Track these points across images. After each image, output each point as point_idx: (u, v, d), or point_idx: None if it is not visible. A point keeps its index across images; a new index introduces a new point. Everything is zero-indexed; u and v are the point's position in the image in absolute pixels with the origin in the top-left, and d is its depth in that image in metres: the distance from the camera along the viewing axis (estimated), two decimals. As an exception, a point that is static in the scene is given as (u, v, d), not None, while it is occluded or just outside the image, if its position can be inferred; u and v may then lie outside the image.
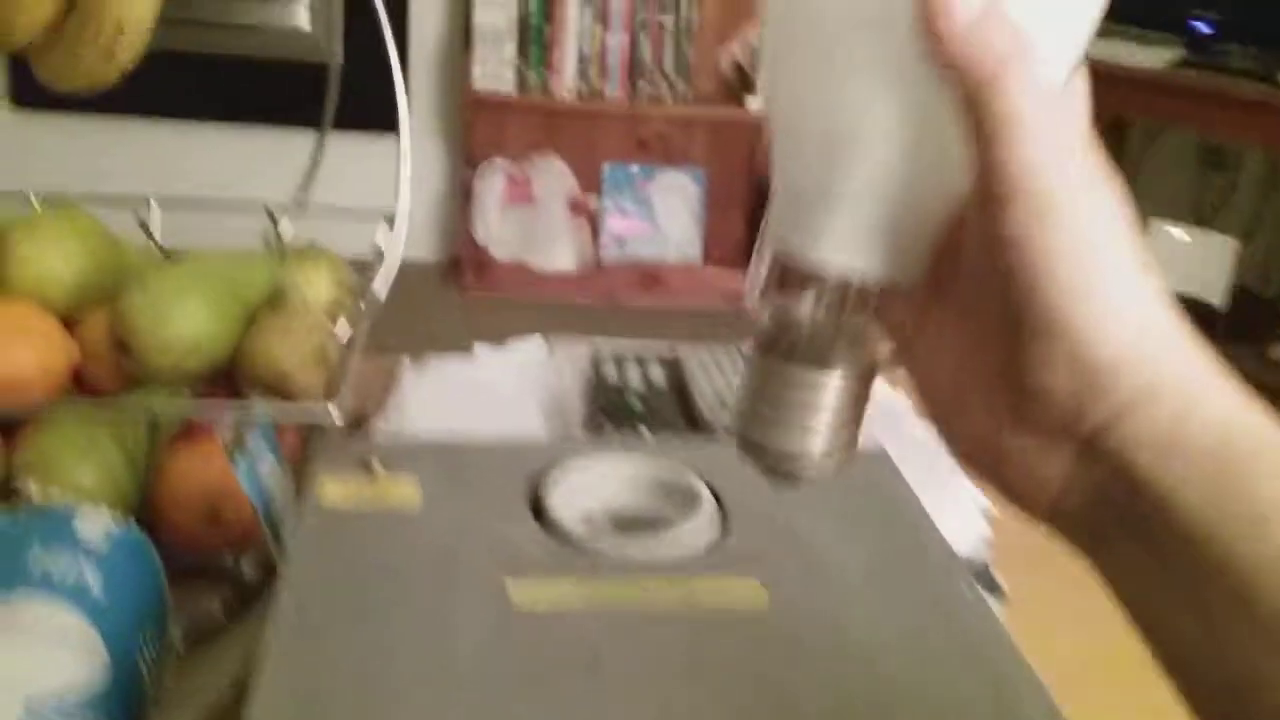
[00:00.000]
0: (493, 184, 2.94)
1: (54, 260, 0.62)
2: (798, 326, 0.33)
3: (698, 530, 0.49)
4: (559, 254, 2.96)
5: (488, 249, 2.98)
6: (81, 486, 0.55)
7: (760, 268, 0.33)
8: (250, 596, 0.59)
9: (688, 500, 0.50)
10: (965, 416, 0.32)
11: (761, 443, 0.33)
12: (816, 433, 0.33)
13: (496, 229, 2.97)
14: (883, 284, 0.31)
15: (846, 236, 0.31)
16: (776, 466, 0.34)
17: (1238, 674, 0.27)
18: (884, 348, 0.34)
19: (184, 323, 0.58)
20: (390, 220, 0.81)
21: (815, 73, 0.30)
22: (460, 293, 2.92)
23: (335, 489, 0.50)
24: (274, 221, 0.71)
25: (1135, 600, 0.30)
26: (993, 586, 0.68)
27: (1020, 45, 0.27)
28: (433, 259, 3.10)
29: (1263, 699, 0.27)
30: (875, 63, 0.28)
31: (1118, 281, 0.28)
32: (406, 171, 0.71)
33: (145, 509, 0.58)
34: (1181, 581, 0.28)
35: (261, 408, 0.52)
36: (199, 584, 0.59)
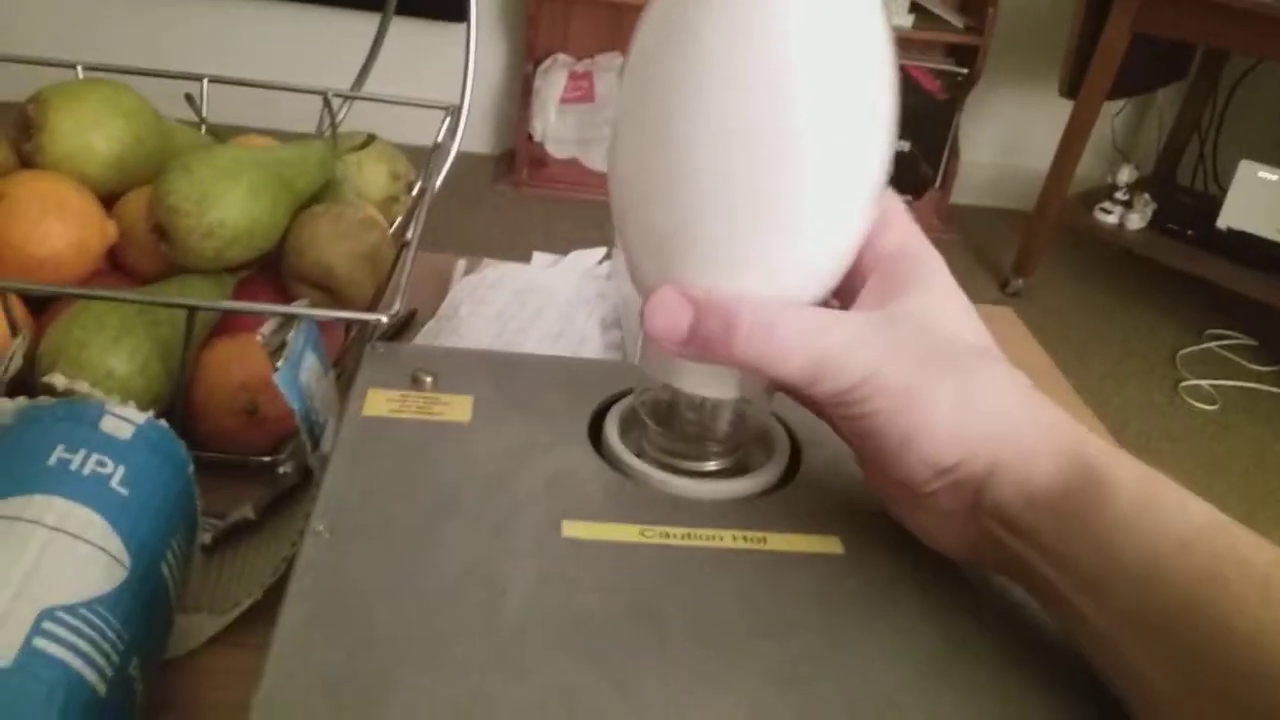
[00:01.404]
0: (554, 80, 2.87)
1: (94, 136, 0.58)
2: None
3: (768, 470, 0.45)
4: (617, 155, 2.89)
5: (544, 145, 2.92)
6: (112, 374, 0.52)
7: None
8: (286, 498, 0.56)
9: (759, 436, 0.46)
10: (892, 497, 0.40)
11: None
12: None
13: (554, 126, 2.91)
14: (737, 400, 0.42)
15: (696, 373, 0.40)
16: None
17: (1126, 669, 0.33)
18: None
19: (228, 209, 0.54)
20: (451, 112, 0.76)
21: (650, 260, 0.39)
22: (513, 188, 2.87)
23: (380, 400, 0.46)
24: (330, 109, 0.66)
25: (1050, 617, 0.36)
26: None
27: (732, 318, 0.35)
28: (488, 152, 3.05)
29: (1143, 691, 0.32)
30: None
31: (937, 403, 0.34)
32: (471, 65, 0.66)
33: (179, 401, 0.55)
34: (1061, 596, 0.34)
35: (307, 311, 0.48)
36: (233, 482, 0.56)
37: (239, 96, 0.75)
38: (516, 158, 2.90)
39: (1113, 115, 3.06)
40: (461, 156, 0.75)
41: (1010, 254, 2.78)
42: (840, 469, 0.46)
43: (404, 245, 0.59)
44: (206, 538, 0.52)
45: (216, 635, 0.48)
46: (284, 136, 0.66)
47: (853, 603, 0.38)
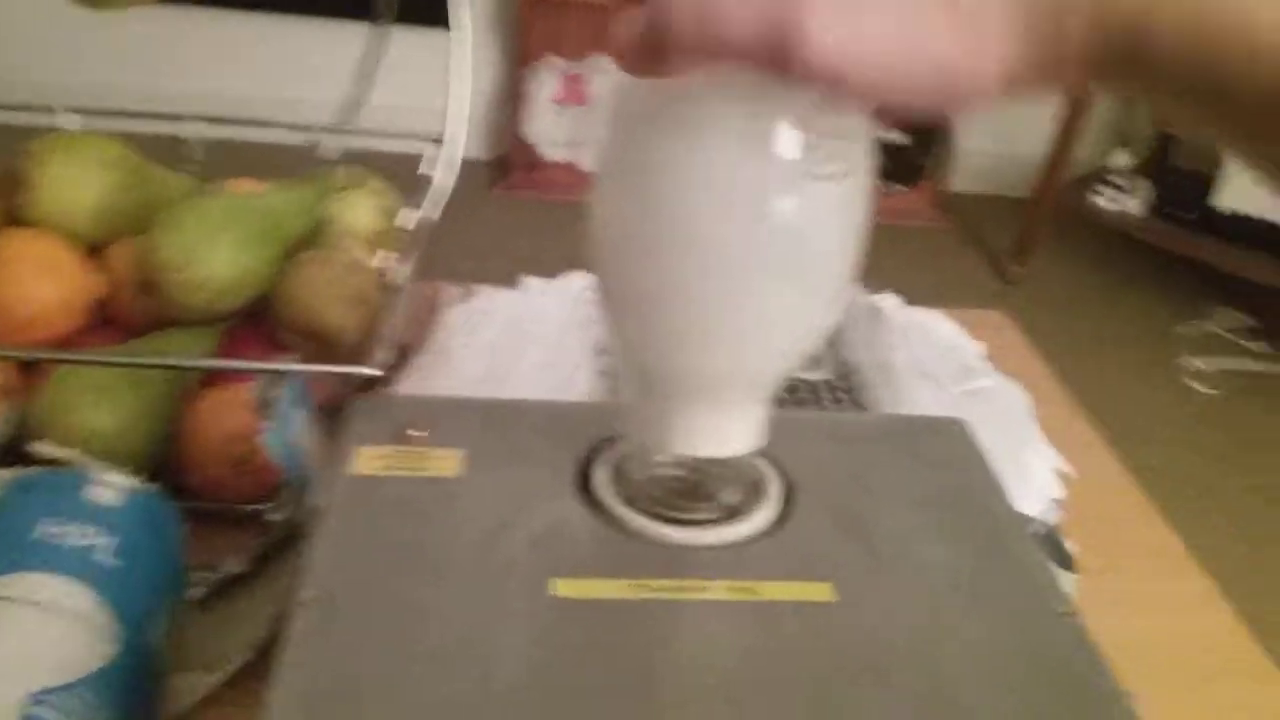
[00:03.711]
0: (545, 83, 2.86)
1: (80, 190, 0.58)
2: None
3: (759, 514, 0.45)
4: (611, 156, 2.89)
5: (537, 149, 2.92)
6: (100, 433, 0.52)
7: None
8: (276, 549, 0.56)
9: (750, 483, 0.46)
10: None
11: None
12: None
13: (547, 129, 2.90)
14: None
15: (686, 432, 0.42)
16: None
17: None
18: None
19: (216, 263, 0.54)
20: (440, 142, 0.76)
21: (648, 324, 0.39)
22: (508, 192, 2.87)
23: (370, 457, 0.46)
24: (316, 154, 0.66)
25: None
26: (1065, 562, 0.64)
27: None
28: (480, 157, 3.05)
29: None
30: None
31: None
32: (465, 105, 0.65)
33: (168, 453, 0.55)
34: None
35: (295, 367, 0.48)
36: (224, 531, 0.56)
37: (230, 111, 0.76)
38: (510, 162, 2.90)
39: (1107, 99, 3.05)
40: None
41: (1009, 241, 2.77)
42: (833, 509, 0.46)
43: (394, 290, 0.59)
44: (199, 591, 0.52)
45: (211, 694, 0.48)
46: (274, 150, 0.66)
47: (844, 655, 0.38)
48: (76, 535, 0.41)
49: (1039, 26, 0.29)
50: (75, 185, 0.58)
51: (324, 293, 0.57)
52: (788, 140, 0.34)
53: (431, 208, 0.73)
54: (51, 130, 0.66)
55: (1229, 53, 0.28)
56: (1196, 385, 2.37)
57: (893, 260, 2.65)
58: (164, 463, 0.55)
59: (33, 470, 0.44)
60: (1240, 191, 2.49)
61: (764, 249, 0.36)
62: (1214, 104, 0.29)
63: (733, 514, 0.46)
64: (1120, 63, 0.29)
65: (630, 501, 0.45)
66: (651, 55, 0.31)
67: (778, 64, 0.29)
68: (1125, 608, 0.65)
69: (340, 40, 2.63)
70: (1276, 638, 0.65)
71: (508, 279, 0.86)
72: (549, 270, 0.88)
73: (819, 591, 0.41)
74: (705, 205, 0.35)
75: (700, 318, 0.38)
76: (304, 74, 2.84)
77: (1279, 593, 1.75)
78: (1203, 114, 0.30)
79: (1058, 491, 0.69)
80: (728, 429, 0.42)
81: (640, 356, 0.41)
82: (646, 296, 0.38)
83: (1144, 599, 0.66)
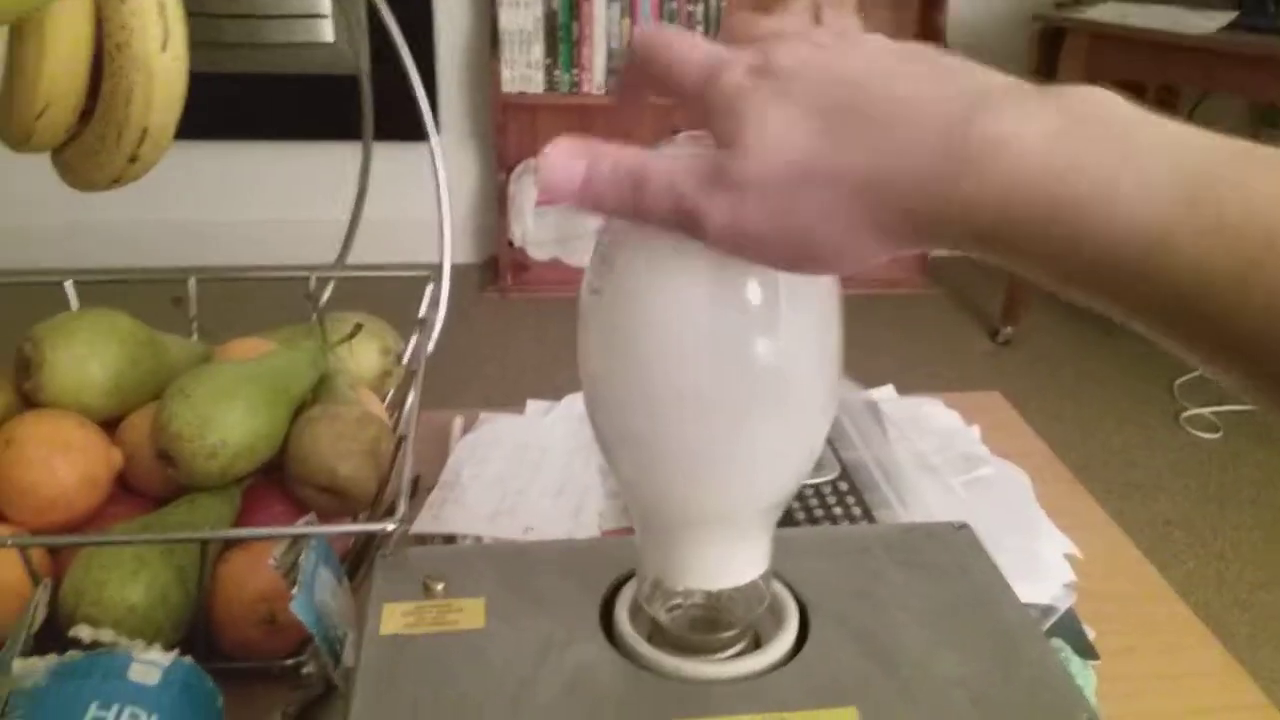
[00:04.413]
0: (527, 185, 2.91)
1: (91, 367, 0.60)
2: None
3: (779, 641, 0.46)
4: (597, 250, 2.93)
5: (524, 250, 2.96)
6: (134, 609, 0.53)
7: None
8: (313, 702, 0.57)
9: (767, 607, 0.48)
10: None
11: None
12: None
13: (532, 230, 2.95)
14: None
15: (694, 567, 0.44)
16: None
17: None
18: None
19: (229, 429, 0.56)
20: (433, 276, 0.79)
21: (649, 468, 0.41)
22: (500, 295, 2.91)
23: (396, 615, 0.47)
24: (314, 302, 0.69)
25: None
26: (1086, 650, 0.65)
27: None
28: (471, 261, 3.09)
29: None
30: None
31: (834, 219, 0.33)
32: (448, 234, 0.68)
33: (200, 620, 0.57)
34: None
35: (315, 529, 0.49)
36: (259, 688, 0.57)
37: (228, 243, 0.78)
38: (499, 265, 2.94)
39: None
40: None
41: (997, 302, 2.81)
42: (848, 628, 0.47)
43: (401, 439, 0.61)
44: (239, 759, 0.52)
45: None
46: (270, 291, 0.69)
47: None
48: (123, 717, 0.42)
49: (905, 226, 0.33)
50: (85, 362, 0.60)
51: (335, 449, 0.58)
52: (756, 286, 0.37)
53: (429, 343, 0.75)
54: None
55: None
56: (1198, 431, 2.38)
57: (886, 331, 2.68)
58: (197, 629, 0.56)
59: (75, 655, 0.45)
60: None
61: (746, 389, 0.38)
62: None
63: (754, 641, 0.47)
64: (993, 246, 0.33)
65: (653, 638, 0.46)
66: (589, 206, 0.36)
67: (689, 233, 0.34)
68: (1147, 687, 0.66)
69: (326, 160, 2.69)
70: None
71: (510, 387, 0.88)
72: (548, 372, 0.89)
73: (845, 718, 0.42)
74: (685, 352, 0.37)
75: (692, 458, 0.39)
76: (294, 196, 2.89)
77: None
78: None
79: (1070, 576, 0.70)
80: (737, 558, 0.44)
81: (640, 495, 0.43)
82: (638, 440, 0.40)
83: (1165, 677, 0.67)
